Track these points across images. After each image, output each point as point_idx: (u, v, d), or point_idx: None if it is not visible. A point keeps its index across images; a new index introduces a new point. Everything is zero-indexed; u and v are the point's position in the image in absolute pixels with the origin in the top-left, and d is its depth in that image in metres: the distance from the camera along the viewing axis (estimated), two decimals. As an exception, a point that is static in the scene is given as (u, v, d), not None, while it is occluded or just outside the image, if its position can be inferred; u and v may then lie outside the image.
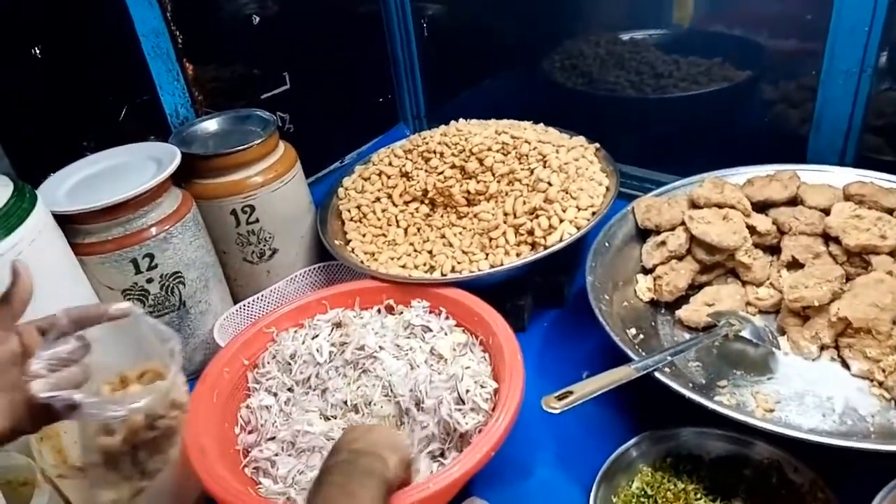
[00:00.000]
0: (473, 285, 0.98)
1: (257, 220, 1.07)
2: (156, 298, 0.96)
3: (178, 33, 1.10)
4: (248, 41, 1.22)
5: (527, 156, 1.13)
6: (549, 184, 1.07)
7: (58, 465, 0.76)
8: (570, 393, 0.70)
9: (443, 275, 1.03)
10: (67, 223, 0.89)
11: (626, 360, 0.81)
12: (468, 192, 1.14)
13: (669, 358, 0.78)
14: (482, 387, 0.83)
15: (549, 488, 0.82)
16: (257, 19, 1.22)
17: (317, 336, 0.95)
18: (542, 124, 1.25)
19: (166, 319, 0.98)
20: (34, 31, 0.94)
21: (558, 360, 1.00)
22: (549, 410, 0.69)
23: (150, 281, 0.95)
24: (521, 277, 1.05)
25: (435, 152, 1.18)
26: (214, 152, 1.03)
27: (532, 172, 1.11)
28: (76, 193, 0.93)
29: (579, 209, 1.04)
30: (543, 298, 1.09)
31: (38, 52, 0.96)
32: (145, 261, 0.93)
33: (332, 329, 0.96)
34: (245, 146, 1.03)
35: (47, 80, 0.97)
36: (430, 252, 1.10)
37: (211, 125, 1.11)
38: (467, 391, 0.82)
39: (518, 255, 1.03)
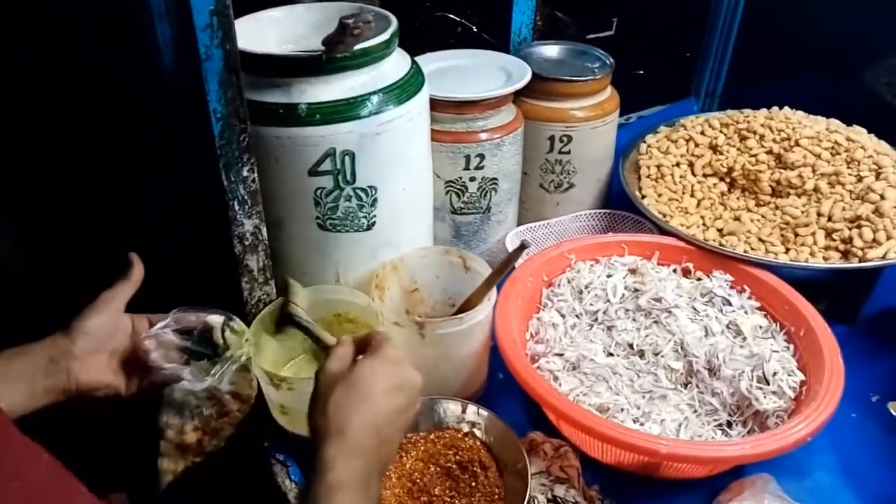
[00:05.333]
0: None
1: (569, 152, 1.10)
2: (470, 197, 1.02)
3: (538, -42, 1.14)
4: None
5: (859, 162, 1.07)
6: (883, 197, 1.00)
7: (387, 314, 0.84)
8: (920, 408, 0.67)
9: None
10: (422, 107, 0.96)
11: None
12: (778, 181, 1.10)
13: None
14: (790, 374, 0.81)
15: (825, 494, 0.80)
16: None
17: (611, 275, 0.97)
18: (873, 135, 1.17)
19: (471, 219, 1.04)
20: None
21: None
22: (900, 417, 0.67)
23: (472, 179, 1.01)
24: (820, 282, 1.00)
25: (755, 133, 1.14)
26: (556, 76, 1.06)
27: (861, 180, 1.05)
28: (432, 81, 1.00)
29: (911, 231, 0.97)
30: (835, 310, 1.03)
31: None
32: (476, 160, 0.99)
33: (627, 273, 0.98)
34: (586, 78, 1.06)
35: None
36: (719, 230, 1.08)
37: (549, 51, 1.15)
38: (775, 373, 0.81)
39: (825, 258, 0.99)
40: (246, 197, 0.73)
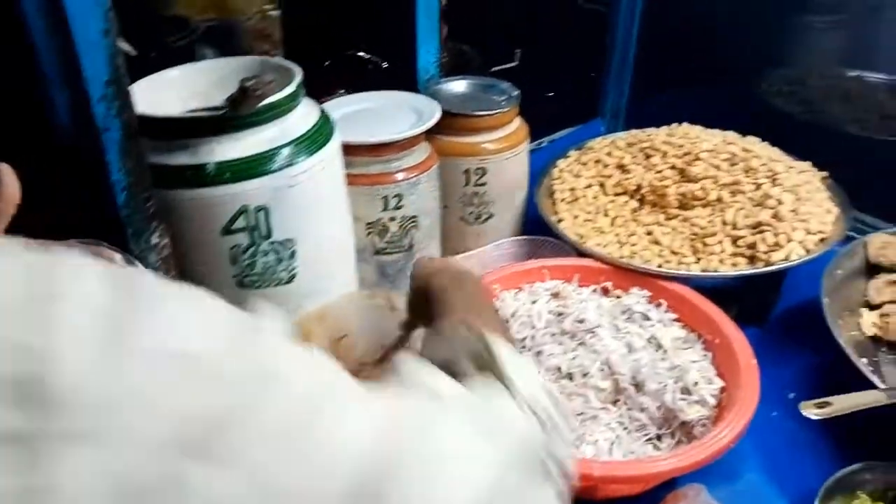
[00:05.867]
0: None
1: (485, 184, 1.13)
2: (392, 236, 1.03)
3: (444, -6, 1.17)
4: (496, 13, 1.28)
5: (755, 170, 1.13)
6: (780, 202, 1.07)
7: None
8: (829, 404, 0.72)
9: (650, 270, 1.05)
10: (335, 152, 0.96)
11: (856, 385, 0.81)
12: (683, 195, 1.15)
13: (916, 393, 0.78)
14: (710, 383, 0.85)
15: (755, 495, 0.84)
16: (510, -6, 1.28)
17: (535, 301, 0.99)
18: (766, 143, 1.24)
19: (394, 258, 1.05)
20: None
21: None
22: (810, 416, 0.71)
23: (392, 219, 1.02)
24: (731, 288, 1.06)
25: (658, 150, 1.20)
26: (465, 112, 1.09)
27: (759, 188, 1.11)
28: (344, 127, 1.01)
29: (808, 232, 1.04)
30: (746, 314, 1.09)
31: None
32: (394, 200, 1.00)
33: (550, 298, 1.00)
34: (496, 111, 1.09)
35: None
36: (633, 246, 1.12)
37: (457, 86, 1.17)
38: (695, 383, 0.84)
39: (734, 265, 1.04)
40: (158, 264, 0.71)
